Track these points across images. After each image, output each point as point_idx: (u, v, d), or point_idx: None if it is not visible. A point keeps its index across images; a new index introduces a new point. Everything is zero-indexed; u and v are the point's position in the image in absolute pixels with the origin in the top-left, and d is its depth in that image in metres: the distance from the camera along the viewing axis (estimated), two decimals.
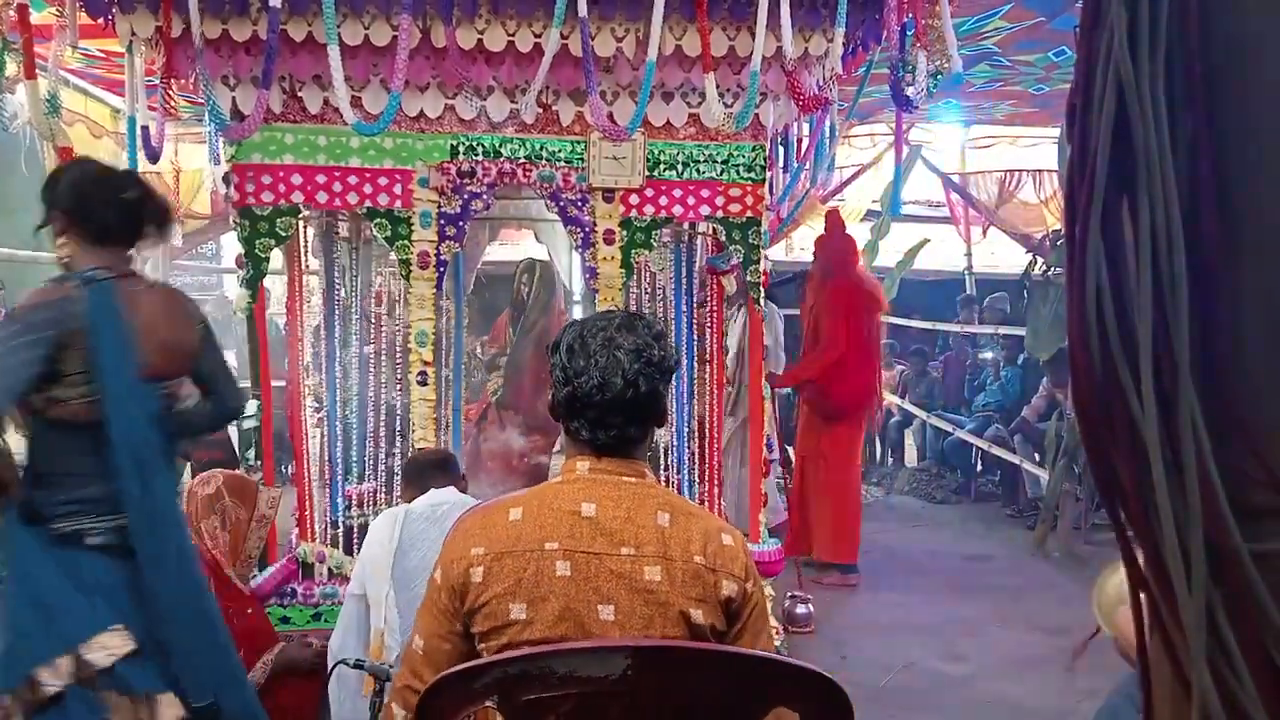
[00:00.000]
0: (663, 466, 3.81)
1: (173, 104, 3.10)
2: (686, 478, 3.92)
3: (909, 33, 2.83)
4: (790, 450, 5.68)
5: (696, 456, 3.99)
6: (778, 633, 3.62)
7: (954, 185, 8.69)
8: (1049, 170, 7.93)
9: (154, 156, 2.92)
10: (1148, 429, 0.66)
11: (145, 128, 2.86)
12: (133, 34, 2.87)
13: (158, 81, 2.90)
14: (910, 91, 2.82)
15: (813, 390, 5.10)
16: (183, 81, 3.05)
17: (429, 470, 2.61)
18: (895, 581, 5.00)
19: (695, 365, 4.07)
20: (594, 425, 1.50)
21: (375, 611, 2.30)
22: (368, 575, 2.34)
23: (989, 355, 7.75)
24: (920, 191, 9.16)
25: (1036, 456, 6.24)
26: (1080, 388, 0.71)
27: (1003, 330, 7.11)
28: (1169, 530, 0.66)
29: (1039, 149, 8.25)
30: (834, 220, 5.23)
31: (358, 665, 2.10)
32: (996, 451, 6.60)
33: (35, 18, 3.02)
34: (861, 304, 5.01)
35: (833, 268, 5.03)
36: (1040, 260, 6.06)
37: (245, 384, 3.19)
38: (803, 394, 5.29)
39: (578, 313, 5.90)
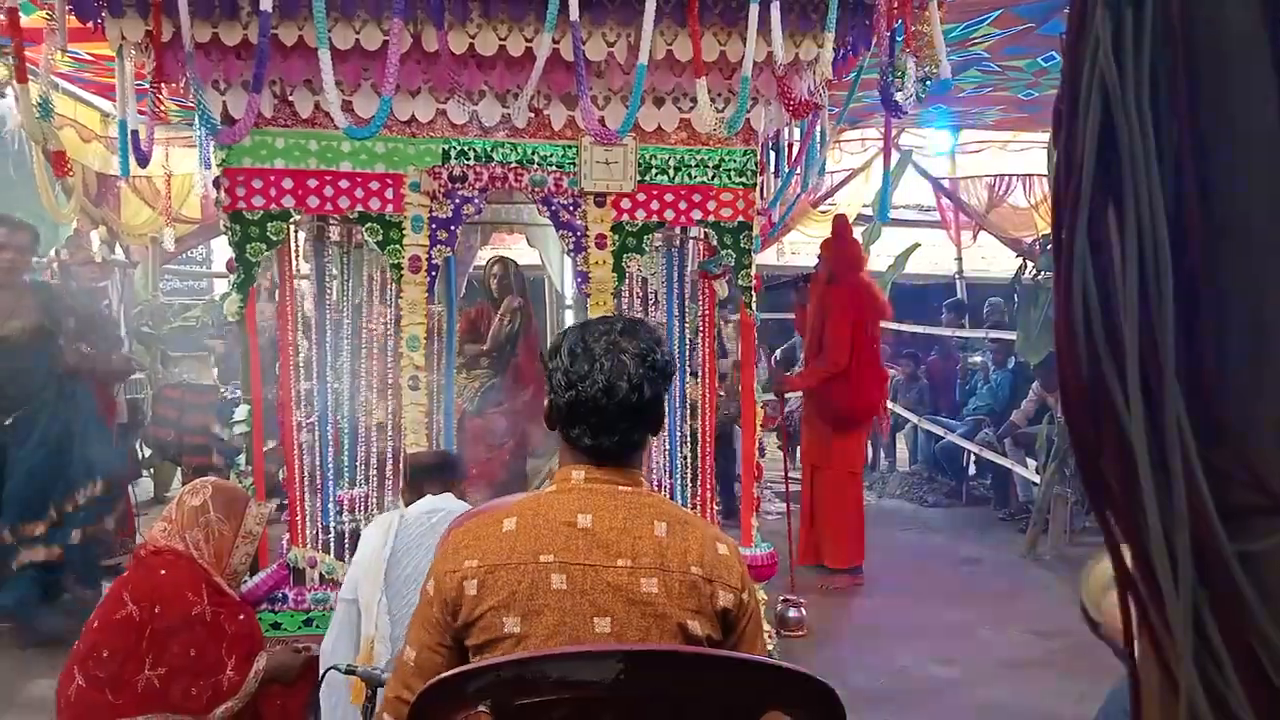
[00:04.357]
0: (654, 471, 3.80)
1: (163, 108, 3.09)
2: (679, 483, 3.91)
3: (898, 38, 2.84)
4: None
5: (689, 461, 3.99)
6: (770, 636, 3.62)
7: (944, 190, 8.73)
8: (1039, 175, 7.97)
9: (144, 160, 2.91)
10: (1134, 432, 0.67)
11: (135, 132, 2.84)
12: (123, 38, 2.86)
13: (148, 85, 2.89)
14: (900, 97, 2.84)
15: (818, 399, 4.98)
16: (173, 86, 3.05)
17: (423, 474, 2.59)
18: (888, 585, 5.00)
19: (687, 370, 4.07)
20: (597, 431, 1.46)
21: (366, 618, 2.29)
22: (360, 580, 2.33)
23: (979, 359, 7.77)
24: (911, 196, 9.21)
25: (1027, 460, 6.25)
26: (1068, 391, 0.72)
27: (993, 334, 7.14)
28: (1156, 532, 0.66)
29: (1029, 154, 8.29)
30: (841, 224, 5.23)
31: (349, 671, 2.09)
32: (988, 455, 6.61)
33: (24, 21, 3.02)
34: (867, 309, 4.99)
35: (839, 271, 4.99)
36: (1030, 264, 6.08)
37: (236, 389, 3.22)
38: (808, 402, 5.15)
39: (569, 318, 5.90)
